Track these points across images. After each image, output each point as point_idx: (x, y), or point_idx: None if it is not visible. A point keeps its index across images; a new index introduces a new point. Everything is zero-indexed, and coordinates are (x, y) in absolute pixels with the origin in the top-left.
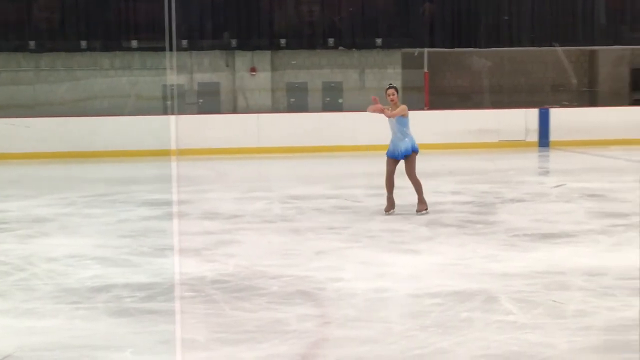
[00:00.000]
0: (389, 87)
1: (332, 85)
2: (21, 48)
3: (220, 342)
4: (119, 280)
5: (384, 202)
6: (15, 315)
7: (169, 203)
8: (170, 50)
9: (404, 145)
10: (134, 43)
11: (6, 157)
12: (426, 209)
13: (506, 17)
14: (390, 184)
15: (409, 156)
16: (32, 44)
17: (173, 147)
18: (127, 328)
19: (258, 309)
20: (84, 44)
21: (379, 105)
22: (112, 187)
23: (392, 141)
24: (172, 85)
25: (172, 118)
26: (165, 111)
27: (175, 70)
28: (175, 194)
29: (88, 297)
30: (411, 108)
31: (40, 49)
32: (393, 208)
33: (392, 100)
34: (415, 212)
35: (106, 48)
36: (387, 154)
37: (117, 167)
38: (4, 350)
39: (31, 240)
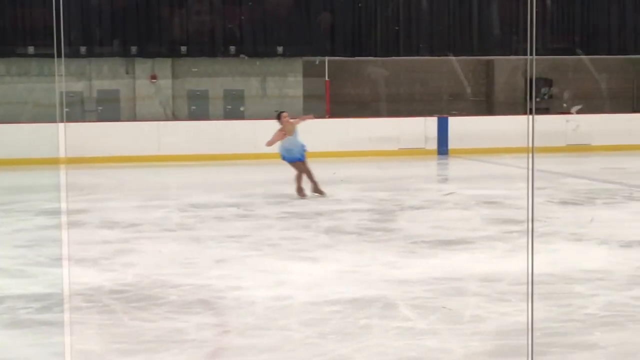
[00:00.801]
0: (280, 113)
1: (234, 93)
2: None
3: (117, 353)
4: (14, 292)
5: (284, 209)
6: None
7: (66, 212)
8: (59, 56)
9: (300, 148)
10: (31, 49)
11: None
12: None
13: (397, 28)
14: (302, 180)
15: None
16: None
17: (70, 154)
18: (21, 340)
19: (157, 319)
20: None
21: (277, 135)
22: (8, 196)
23: (285, 148)
24: (62, 92)
25: (69, 125)
26: (62, 119)
27: (63, 77)
28: (65, 203)
29: None
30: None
31: None
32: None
33: (287, 121)
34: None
35: (1, 54)
36: (287, 159)
37: (13, 176)
38: None
39: None
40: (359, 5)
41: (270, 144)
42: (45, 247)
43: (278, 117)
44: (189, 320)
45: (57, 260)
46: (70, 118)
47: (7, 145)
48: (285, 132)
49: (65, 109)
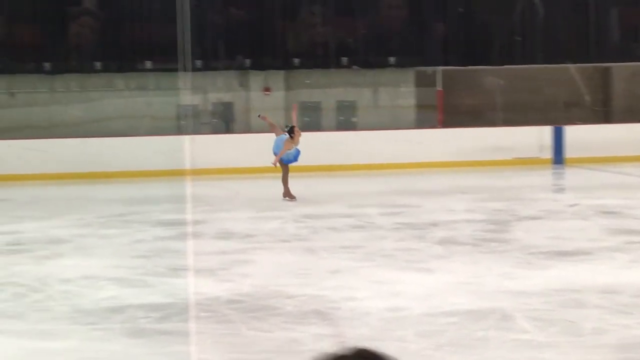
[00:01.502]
0: (292, 127)
1: (346, 104)
2: (36, 70)
3: None
4: (134, 301)
5: (398, 220)
6: (31, 337)
7: (183, 223)
8: (185, 70)
9: (296, 153)
10: (149, 64)
11: (21, 178)
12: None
13: (519, 38)
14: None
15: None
16: (47, 65)
17: (187, 166)
18: (143, 349)
19: (274, 329)
20: (98, 65)
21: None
22: (127, 208)
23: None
24: (187, 105)
25: (187, 138)
26: (179, 131)
27: (189, 91)
28: (192, 214)
29: (103, 318)
30: (425, 126)
31: (55, 70)
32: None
33: (299, 134)
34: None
35: (121, 69)
36: (285, 160)
37: (132, 188)
38: None
39: (46, 262)
40: (464, 12)
41: (276, 162)
42: (163, 257)
43: (291, 132)
44: (305, 330)
45: (175, 271)
46: (185, 130)
47: (125, 158)
48: (295, 144)
49: (182, 122)
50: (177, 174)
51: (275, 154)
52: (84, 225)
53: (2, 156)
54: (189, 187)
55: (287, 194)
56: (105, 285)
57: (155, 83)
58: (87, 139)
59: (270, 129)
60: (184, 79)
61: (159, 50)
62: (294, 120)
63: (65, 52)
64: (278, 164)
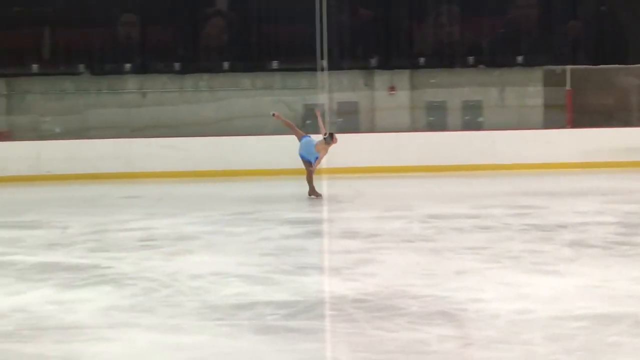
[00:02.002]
0: (332, 135)
1: (472, 103)
2: (167, 70)
3: None
4: (262, 298)
5: (525, 221)
6: (162, 331)
7: (310, 222)
8: (322, 70)
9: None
10: (275, 64)
11: (152, 175)
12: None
13: None
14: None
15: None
16: (177, 65)
17: (330, 165)
18: (270, 346)
19: (399, 329)
20: (226, 65)
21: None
22: (254, 206)
23: (307, 150)
24: (313, 104)
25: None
26: (305, 130)
27: (324, 90)
28: (317, 213)
29: (232, 315)
30: (553, 126)
31: (185, 70)
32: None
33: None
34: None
35: (248, 69)
36: (305, 157)
37: (259, 186)
38: None
39: (176, 258)
40: (597, 10)
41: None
42: (289, 255)
43: (330, 138)
44: (431, 331)
45: (301, 269)
46: (312, 130)
47: (252, 157)
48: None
49: (307, 121)
50: (303, 172)
51: (302, 156)
52: (212, 222)
53: (139, 154)
54: (324, 186)
55: (313, 192)
56: (233, 282)
57: (281, 82)
58: (214, 137)
59: (291, 131)
60: (309, 79)
61: (285, 50)
62: (321, 126)
63: (195, 52)
64: (304, 164)
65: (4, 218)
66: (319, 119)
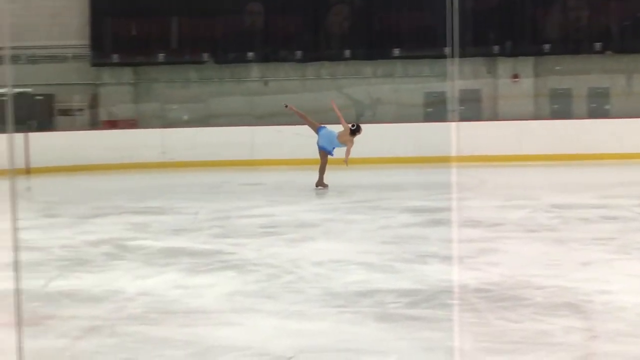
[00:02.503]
0: (359, 126)
1: (599, 91)
2: (289, 58)
3: (484, 351)
4: (383, 286)
5: None
6: (284, 317)
7: (431, 210)
8: (452, 57)
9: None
10: (397, 51)
11: (271, 163)
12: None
13: None
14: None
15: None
16: (298, 54)
17: (453, 154)
18: (391, 333)
19: (523, 320)
20: (347, 53)
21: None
22: (373, 194)
23: (329, 141)
24: (434, 92)
25: (453, 125)
26: (425, 118)
27: (454, 77)
28: (439, 201)
29: (353, 302)
30: None
31: (306, 58)
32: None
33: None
34: None
35: (369, 56)
36: (325, 149)
37: (378, 174)
38: (279, 351)
39: (298, 244)
40: None
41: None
42: (410, 243)
43: (358, 130)
44: (556, 322)
45: (422, 257)
46: (432, 118)
47: (374, 145)
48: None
49: (428, 109)
50: (426, 161)
51: (323, 147)
52: (331, 210)
53: (261, 141)
54: (435, 174)
55: (320, 183)
56: (354, 269)
57: (402, 70)
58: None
59: (305, 122)
60: (431, 66)
61: (407, 37)
62: (340, 117)
63: (317, 40)
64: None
65: (131, 204)
66: (336, 110)
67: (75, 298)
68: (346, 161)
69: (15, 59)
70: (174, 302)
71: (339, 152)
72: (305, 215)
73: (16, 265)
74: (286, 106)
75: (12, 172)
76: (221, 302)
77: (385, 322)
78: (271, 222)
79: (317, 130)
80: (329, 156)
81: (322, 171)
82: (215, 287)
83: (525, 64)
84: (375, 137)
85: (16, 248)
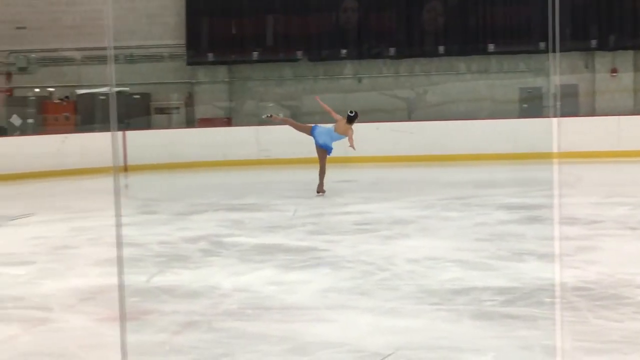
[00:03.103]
0: (356, 113)
1: None
2: (382, 54)
3: (583, 351)
4: (478, 284)
5: None
6: (379, 314)
7: (527, 207)
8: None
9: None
10: (492, 47)
11: (365, 160)
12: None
13: None
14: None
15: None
16: (392, 50)
17: (554, 149)
18: (488, 332)
19: (623, 319)
20: (441, 49)
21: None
22: (468, 190)
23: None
24: (530, 88)
25: (554, 120)
26: (520, 114)
27: (558, 71)
28: (535, 198)
29: (448, 299)
30: None
31: (400, 55)
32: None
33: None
34: None
35: (463, 52)
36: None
37: (473, 171)
38: (375, 348)
39: (392, 241)
40: None
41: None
42: (506, 241)
43: (355, 117)
44: None
45: (518, 255)
46: (528, 114)
47: (468, 141)
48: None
49: (524, 105)
50: (521, 157)
51: (323, 146)
52: (426, 207)
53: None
54: (531, 171)
55: (321, 189)
56: (449, 266)
57: (497, 66)
58: (430, 122)
59: (295, 128)
60: (526, 62)
61: (502, 32)
62: (329, 110)
63: (410, 37)
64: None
65: (227, 201)
66: (323, 105)
67: (173, 294)
68: (353, 146)
69: (114, 59)
70: (269, 298)
71: (337, 150)
72: (400, 212)
73: (119, 262)
74: (270, 116)
75: (114, 170)
76: (316, 299)
77: (481, 320)
78: (365, 219)
79: (310, 131)
80: (328, 155)
81: (323, 174)
82: (310, 284)
83: (625, 58)
84: (471, 133)
85: (119, 245)
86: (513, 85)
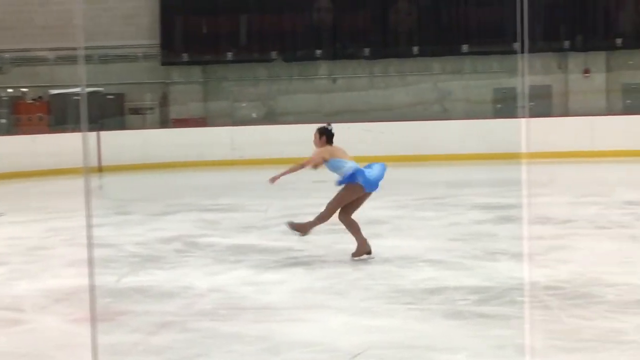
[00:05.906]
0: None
1: None
2: (356, 55)
3: (556, 349)
4: (452, 283)
5: None
6: (353, 314)
7: (501, 207)
8: (522, 52)
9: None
10: (465, 47)
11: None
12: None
13: None
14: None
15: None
16: (366, 51)
17: (523, 150)
18: (461, 330)
19: (595, 317)
20: (415, 49)
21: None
22: (442, 190)
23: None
24: (503, 88)
25: (523, 121)
26: (494, 115)
27: (526, 72)
28: (509, 198)
29: (422, 299)
30: None
31: (374, 55)
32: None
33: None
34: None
35: (438, 53)
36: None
37: (447, 171)
38: (349, 347)
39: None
40: None
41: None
42: (479, 241)
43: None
44: (629, 320)
45: (491, 254)
46: (502, 114)
47: (441, 142)
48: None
49: (498, 105)
50: (492, 157)
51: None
52: (400, 207)
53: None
54: (504, 171)
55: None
56: (422, 266)
57: (471, 66)
58: (403, 122)
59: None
60: (500, 62)
61: (476, 33)
62: (286, 172)
63: (385, 37)
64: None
65: (201, 201)
66: (282, 174)
67: (147, 294)
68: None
69: (87, 59)
70: (244, 298)
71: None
72: (374, 212)
73: (90, 263)
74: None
75: (86, 170)
76: (291, 299)
77: (454, 319)
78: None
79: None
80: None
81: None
82: (285, 284)
83: (597, 59)
84: (445, 133)
85: (90, 245)
86: (487, 85)
